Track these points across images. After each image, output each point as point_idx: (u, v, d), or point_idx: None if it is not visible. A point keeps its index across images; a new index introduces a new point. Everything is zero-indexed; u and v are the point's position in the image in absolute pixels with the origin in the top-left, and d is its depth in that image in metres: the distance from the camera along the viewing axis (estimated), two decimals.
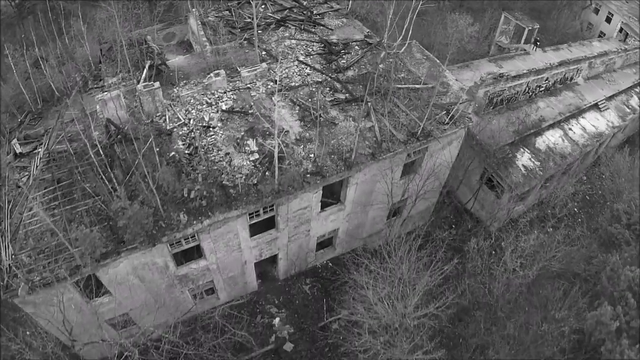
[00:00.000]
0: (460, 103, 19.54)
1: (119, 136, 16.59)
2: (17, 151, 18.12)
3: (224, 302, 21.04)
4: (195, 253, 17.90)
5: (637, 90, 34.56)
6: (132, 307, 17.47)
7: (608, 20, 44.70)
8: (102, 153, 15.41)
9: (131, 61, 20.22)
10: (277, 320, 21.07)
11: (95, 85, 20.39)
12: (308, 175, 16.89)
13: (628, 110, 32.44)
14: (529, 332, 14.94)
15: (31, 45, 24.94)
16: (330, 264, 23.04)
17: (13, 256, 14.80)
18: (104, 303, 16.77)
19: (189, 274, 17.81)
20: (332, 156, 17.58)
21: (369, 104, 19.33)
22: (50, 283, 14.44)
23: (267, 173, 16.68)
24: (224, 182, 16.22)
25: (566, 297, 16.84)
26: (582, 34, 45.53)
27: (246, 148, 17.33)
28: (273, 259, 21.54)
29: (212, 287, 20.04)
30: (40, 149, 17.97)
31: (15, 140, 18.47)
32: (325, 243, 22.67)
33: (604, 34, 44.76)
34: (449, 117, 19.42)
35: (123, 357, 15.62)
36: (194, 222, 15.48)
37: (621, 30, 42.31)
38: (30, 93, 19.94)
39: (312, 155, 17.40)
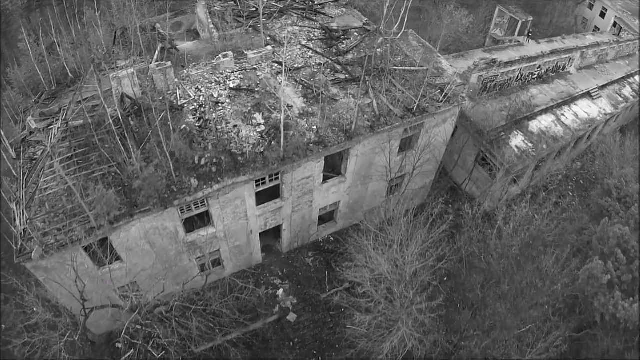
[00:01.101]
0: (456, 86, 20.52)
1: (135, 107, 17.53)
2: (33, 127, 18.99)
3: (230, 273, 21.84)
4: (204, 222, 18.74)
5: (630, 80, 35.59)
6: (142, 270, 18.06)
7: (602, 15, 45.89)
8: (121, 120, 16.23)
9: (143, 44, 21.22)
10: (281, 291, 21.87)
11: (108, 67, 21.38)
12: (311, 145, 17.84)
13: (620, 99, 33.44)
14: (522, 284, 15.69)
15: (44, 34, 25.98)
16: (331, 237, 23.89)
17: (28, 221, 15.31)
18: (114, 270, 17.47)
19: (197, 241, 18.65)
20: (334, 128, 18.54)
21: (367, 82, 20.32)
22: (65, 245, 14.96)
23: (272, 142, 17.63)
24: (232, 150, 17.16)
25: (559, 261, 17.62)
26: (576, 27, 46.66)
27: (253, 121, 18.29)
28: (277, 234, 22.41)
29: (219, 258, 20.88)
30: (55, 124, 18.84)
31: (30, 118, 19.35)
32: (327, 218, 23.54)
33: (599, 29, 45.89)
34: (443, 95, 20.40)
35: (130, 322, 16.10)
36: (204, 186, 16.40)
37: (615, 24, 43.46)
38: (44, 74, 20.85)
39: (314, 127, 18.36)
